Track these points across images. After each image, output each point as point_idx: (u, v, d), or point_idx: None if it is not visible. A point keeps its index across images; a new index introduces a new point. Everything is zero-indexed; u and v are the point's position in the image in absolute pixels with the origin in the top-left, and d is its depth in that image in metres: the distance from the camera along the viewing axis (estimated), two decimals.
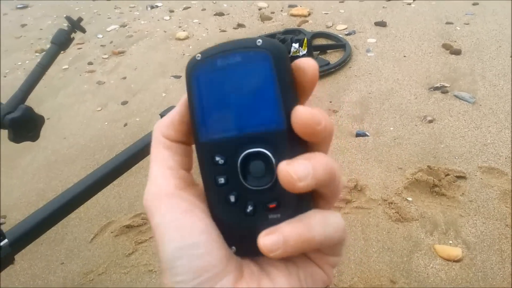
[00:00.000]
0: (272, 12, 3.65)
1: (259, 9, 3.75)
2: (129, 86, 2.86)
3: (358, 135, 2.13)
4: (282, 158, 0.30)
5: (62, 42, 1.55)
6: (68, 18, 1.59)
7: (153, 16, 3.85)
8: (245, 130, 0.32)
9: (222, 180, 0.33)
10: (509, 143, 1.93)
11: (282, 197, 0.31)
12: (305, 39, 2.77)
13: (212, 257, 0.31)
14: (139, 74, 2.99)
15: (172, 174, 0.33)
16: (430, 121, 2.14)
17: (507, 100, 2.20)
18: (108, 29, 3.68)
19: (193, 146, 0.35)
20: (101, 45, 3.42)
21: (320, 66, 2.69)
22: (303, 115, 0.29)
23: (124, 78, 2.95)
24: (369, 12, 3.41)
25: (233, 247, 0.33)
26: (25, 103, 1.38)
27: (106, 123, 2.50)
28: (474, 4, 3.25)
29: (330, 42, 3.04)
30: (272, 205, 0.32)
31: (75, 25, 1.59)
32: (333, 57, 2.83)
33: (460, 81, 2.40)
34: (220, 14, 3.74)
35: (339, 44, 2.94)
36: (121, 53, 3.28)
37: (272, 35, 3.14)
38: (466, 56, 2.63)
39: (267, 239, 0.30)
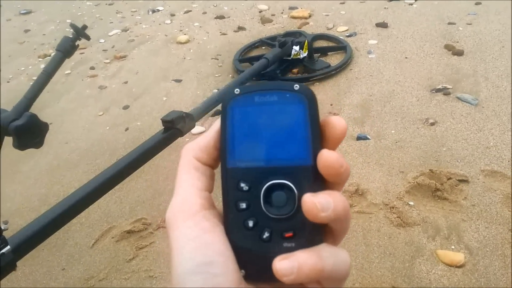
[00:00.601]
0: (273, 15, 3.64)
1: (260, 12, 3.75)
2: (131, 90, 2.86)
3: (359, 138, 2.12)
4: (304, 191, 0.33)
5: (66, 49, 1.56)
6: (73, 26, 1.60)
7: (154, 20, 3.85)
8: (273, 162, 0.35)
9: (243, 206, 0.35)
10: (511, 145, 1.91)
11: (298, 228, 0.34)
12: (306, 42, 2.76)
13: (226, 278, 0.32)
14: (141, 78, 2.99)
15: (198, 194, 0.35)
16: (432, 124, 2.13)
17: (510, 101, 2.18)
18: (110, 33, 3.69)
19: (217, 170, 0.38)
20: (103, 50, 3.43)
21: (321, 69, 2.68)
22: (329, 157, 0.33)
23: (126, 82, 2.96)
24: (370, 13, 3.40)
25: (243, 271, 0.34)
26: (29, 110, 1.38)
27: (107, 128, 2.50)
28: (477, 4, 3.23)
29: (331, 44, 3.04)
30: (288, 234, 0.34)
31: (80, 32, 1.60)
32: (334, 59, 2.82)
33: (462, 83, 2.39)
34: (221, 17, 3.74)
35: (340, 46, 2.93)
36: (122, 57, 3.29)
37: (273, 38, 3.13)
38: (469, 57, 2.62)
39: (284, 264, 0.32)
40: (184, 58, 3.18)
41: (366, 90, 2.47)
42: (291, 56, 2.77)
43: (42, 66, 3.30)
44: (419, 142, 2.02)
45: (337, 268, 0.33)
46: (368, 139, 2.11)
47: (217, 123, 0.37)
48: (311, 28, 3.31)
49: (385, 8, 3.43)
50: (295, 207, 0.34)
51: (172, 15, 3.91)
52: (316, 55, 2.87)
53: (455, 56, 2.64)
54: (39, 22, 4.08)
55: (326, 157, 0.33)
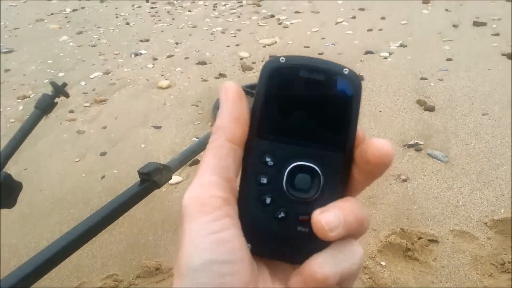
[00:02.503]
0: (254, 62, 3.73)
1: (241, 59, 3.83)
2: (109, 136, 2.87)
3: None
4: (329, 180, 0.33)
5: (45, 107, 1.57)
6: (53, 84, 1.61)
7: (136, 63, 3.90)
8: (304, 143, 0.34)
9: (264, 181, 0.34)
10: (480, 205, 1.97)
11: None
12: None
13: (237, 279, 0.31)
14: (120, 123, 3.00)
15: (224, 186, 0.33)
16: (404, 180, 2.18)
17: (479, 160, 2.26)
18: (92, 76, 3.71)
19: None
20: (84, 93, 3.44)
21: None
22: (385, 147, 0.32)
23: (105, 127, 2.96)
24: (347, 65, 3.49)
25: (249, 245, 0.33)
26: (4, 168, 1.37)
27: (83, 175, 2.49)
28: (448, 60, 3.38)
29: None
30: (304, 218, 0.33)
31: (59, 90, 1.61)
32: None
33: (433, 139, 2.47)
34: (203, 63, 3.81)
35: None
36: (103, 101, 3.30)
37: (253, 86, 3.20)
38: (440, 113, 2.71)
39: (328, 216, 0.32)
40: (165, 104, 3.21)
41: None
42: None
43: (21, 108, 3.30)
44: (391, 199, 2.06)
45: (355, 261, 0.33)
46: None
47: (230, 93, 0.35)
48: None
49: (361, 60, 3.55)
50: (317, 193, 0.33)
51: (155, 59, 3.97)
52: None
53: (427, 111, 2.73)
54: (20, 62, 4.09)
55: (382, 146, 0.32)
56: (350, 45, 3.86)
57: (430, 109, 2.74)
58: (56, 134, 2.96)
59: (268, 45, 4.03)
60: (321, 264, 0.32)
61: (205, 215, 0.32)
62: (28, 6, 5.64)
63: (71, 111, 3.21)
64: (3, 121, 3.13)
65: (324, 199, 0.33)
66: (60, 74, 3.79)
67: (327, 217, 0.32)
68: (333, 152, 0.34)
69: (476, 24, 3.91)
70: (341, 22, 4.40)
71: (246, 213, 0.34)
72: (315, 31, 4.19)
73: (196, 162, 2.45)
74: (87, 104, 3.28)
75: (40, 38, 4.60)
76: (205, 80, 3.51)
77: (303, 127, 0.34)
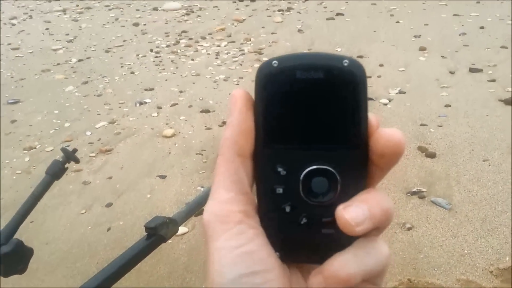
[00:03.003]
0: None
1: None
2: (115, 186, 2.90)
3: None
4: (347, 179, 0.32)
5: (56, 172, 1.60)
6: (64, 150, 1.65)
7: (141, 112, 3.98)
8: (315, 145, 0.33)
9: (280, 190, 0.33)
10: (485, 253, 1.97)
11: None
12: None
13: (270, 285, 0.31)
14: (125, 173, 3.04)
15: (241, 200, 0.33)
16: (409, 229, 2.19)
17: (482, 207, 2.28)
18: (97, 125, 3.79)
19: None
20: (89, 143, 3.50)
21: None
22: (396, 136, 0.32)
23: (110, 178, 3.00)
24: None
25: (278, 253, 0.33)
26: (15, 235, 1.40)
27: (89, 227, 2.51)
28: (446, 106, 3.45)
29: None
30: (327, 221, 0.32)
31: (70, 156, 1.65)
32: None
33: (436, 186, 2.50)
34: (206, 111, 3.89)
35: None
36: (108, 151, 3.36)
37: None
38: (441, 159, 2.75)
39: (353, 211, 0.31)
40: (169, 153, 3.26)
41: None
42: None
43: (27, 159, 3.34)
44: (397, 248, 2.07)
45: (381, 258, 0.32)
46: None
47: (239, 102, 0.34)
48: None
49: None
50: (337, 195, 0.32)
51: (159, 107, 4.05)
52: None
53: (428, 158, 2.78)
54: (26, 112, 4.17)
55: (393, 136, 0.32)
56: None
57: (432, 155, 2.78)
58: (61, 185, 2.99)
59: None
60: (343, 263, 0.31)
61: (228, 231, 0.32)
62: (35, 56, 5.79)
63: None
64: (9, 173, 3.17)
65: (345, 197, 0.33)
66: (66, 124, 3.87)
67: (352, 212, 0.31)
68: (346, 149, 0.33)
69: (472, 70, 4.02)
70: None
71: (268, 223, 0.33)
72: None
73: (202, 212, 2.47)
74: (93, 154, 3.33)
75: (46, 89, 4.71)
76: (209, 128, 3.57)
77: (310, 130, 0.33)
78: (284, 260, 0.34)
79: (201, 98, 4.17)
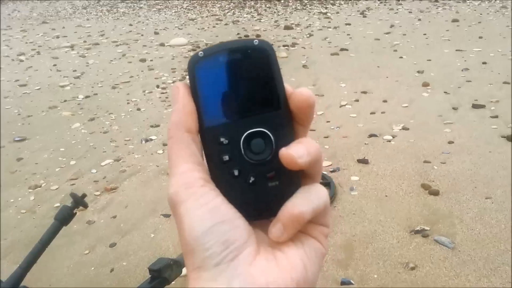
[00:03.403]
0: None
1: None
2: (119, 225, 2.91)
3: (343, 283, 2.15)
4: (278, 135, 0.38)
5: (64, 218, 1.62)
6: (73, 195, 1.67)
7: (147, 149, 4.02)
8: (246, 114, 0.38)
9: (226, 158, 0.38)
10: None
11: (278, 168, 0.37)
12: None
13: (236, 231, 0.35)
14: (130, 212, 3.06)
15: (200, 169, 0.37)
16: (412, 268, 2.18)
17: (484, 245, 2.26)
18: (103, 163, 3.83)
19: None
20: (94, 181, 3.53)
21: None
22: (305, 92, 0.38)
23: (114, 217, 3.02)
24: (352, 148, 3.60)
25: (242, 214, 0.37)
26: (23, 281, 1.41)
27: (92, 268, 2.51)
28: (449, 143, 3.46)
29: None
30: (271, 175, 0.38)
31: (79, 201, 1.67)
32: None
33: (439, 224, 2.49)
34: None
35: (324, 182, 3.07)
36: (113, 189, 3.38)
37: None
38: (444, 197, 2.75)
39: (295, 148, 0.36)
40: None
41: (349, 229, 2.55)
42: None
43: (32, 198, 3.37)
44: None
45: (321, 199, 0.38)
46: (352, 284, 2.14)
47: (181, 91, 0.39)
48: None
49: (365, 144, 3.65)
50: (273, 150, 0.37)
51: (164, 144, 4.09)
52: None
53: (432, 195, 2.77)
54: (32, 150, 4.23)
55: (301, 94, 0.38)
56: (354, 128, 3.98)
57: (435, 193, 2.78)
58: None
59: None
60: (294, 204, 0.36)
61: (193, 194, 0.36)
62: (42, 93, 5.90)
63: None
64: (14, 212, 3.20)
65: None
66: (72, 162, 3.91)
67: (292, 148, 0.36)
68: (273, 111, 0.38)
69: (475, 106, 4.05)
70: (345, 105, 4.56)
71: (225, 190, 0.37)
72: (320, 114, 4.34)
73: None
74: (98, 193, 3.36)
75: (52, 126, 4.78)
76: None
77: (239, 103, 0.38)
78: (247, 218, 0.37)
79: None
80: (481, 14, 7.12)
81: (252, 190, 0.38)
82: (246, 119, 0.38)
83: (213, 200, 0.36)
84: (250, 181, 0.38)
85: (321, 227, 0.40)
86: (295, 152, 0.36)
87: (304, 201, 0.37)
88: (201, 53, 0.39)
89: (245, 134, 0.38)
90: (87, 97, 5.62)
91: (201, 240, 0.34)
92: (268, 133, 0.38)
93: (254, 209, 0.38)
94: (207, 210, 0.35)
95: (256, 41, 0.39)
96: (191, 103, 0.38)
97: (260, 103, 0.39)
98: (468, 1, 8.03)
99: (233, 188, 0.38)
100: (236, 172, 0.38)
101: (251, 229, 0.37)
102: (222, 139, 0.38)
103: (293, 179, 0.38)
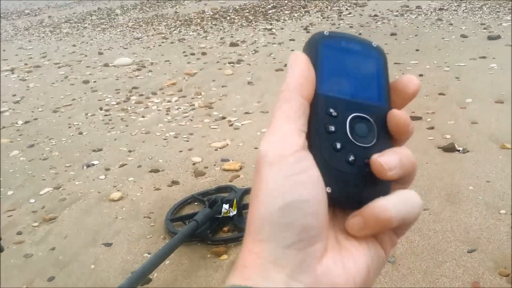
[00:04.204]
0: (206, 167, 3.81)
1: (193, 164, 3.91)
2: (58, 258, 2.79)
3: None
4: (380, 130, 0.40)
5: None
6: None
7: (88, 175, 3.90)
8: (357, 97, 0.41)
9: (332, 129, 0.39)
10: None
11: None
12: (235, 200, 2.89)
13: (317, 218, 0.33)
14: (69, 243, 2.94)
15: (298, 133, 0.36)
16: None
17: (423, 258, 2.33)
18: (41, 192, 3.67)
19: None
20: (32, 211, 3.38)
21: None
22: (402, 114, 0.39)
23: (53, 249, 2.89)
24: None
25: (328, 188, 0.36)
26: None
27: None
28: None
29: None
30: (369, 161, 0.38)
31: None
32: None
33: None
34: (156, 170, 3.86)
35: None
36: (52, 219, 3.25)
37: (205, 193, 3.25)
38: None
39: (388, 158, 0.36)
40: (116, 218, 3.19)
41: None
42: (222, 214, 2.86)
43: None
44: None
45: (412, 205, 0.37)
46: None
47: (302, 58, 0.40)
48: (242, 181, 3.47)
49: None
50: (374, 140, 0.39)
51: (107, 169, 3.98)
52: (245, 211, 2.98)
53: None
54: None
55: (397, 114, 0.39)
56: None
57: None
58: (3, 259, 2.85)
59: (220, 148, 4.15)
60: (385, 206, 0.35)
61: (285, 159, 0.34)
62: None
63: (19, 233, 3.13)
64: None
65: (380, 146, 0.40)
66: (9, 192, 3.73)
67: (385, 158, 0.36)
68: (381, 105, 0.42)
69: (412, 118, 4.17)
70: None
71: (321, 158, 0.37)
72: (265, 131, 4.36)
73: (148, 281, 2.41)
74: (36, 224, 3.21)
75: None
76: (158, 189, 3.53)
77: (354, 85, 0.41)
78: (332, 195, 0.36)
79: (150, 157, 4.14)
80: (417, 27, 7.44)
81: (349, 168, 0.38)
82: (357, 102, 0.41)
83: (302, 174, 0.34)
84: (349, 160, 0.38)
85: (394, 237, 0.39)
86: (387, 164, 0.36)
87: (397, 206, 0.35)
88: (326, 33, 0.42)
89: (353, 114, 0.40)
90: (26, 122, 5.40)
91: (278, 214, 0.32)
92: (373, 123, 0.40)
93: (344, 190, 0.38)
94: (293, 182, 0.33)
95: (375, 44, 0.44)
96: (312, 71, 0.39)
97: (372, 93, 0.42)
98: (405, 15, 8.38)
99: (332, 159, 0.38)
100: (338, 146, 0.39)
101: (328, 220, 0.35)
102: (331, 110, 0.39)
103: None
